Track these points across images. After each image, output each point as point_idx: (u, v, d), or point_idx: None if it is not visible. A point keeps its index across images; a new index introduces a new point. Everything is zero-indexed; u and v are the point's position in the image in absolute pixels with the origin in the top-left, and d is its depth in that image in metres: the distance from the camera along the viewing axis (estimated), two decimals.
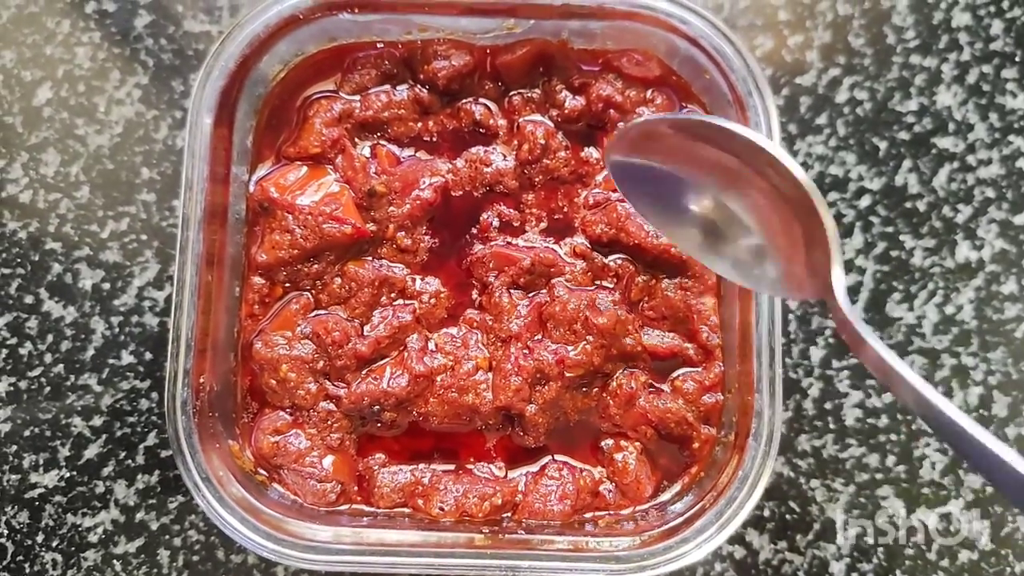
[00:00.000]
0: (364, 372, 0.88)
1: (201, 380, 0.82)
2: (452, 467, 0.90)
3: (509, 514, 0.88)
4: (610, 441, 0.89)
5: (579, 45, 0.90)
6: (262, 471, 0.88)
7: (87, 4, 1.03)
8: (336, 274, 0.90)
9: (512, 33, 0.88)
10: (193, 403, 0.81)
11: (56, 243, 1.00)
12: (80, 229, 1.00)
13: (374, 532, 0.84)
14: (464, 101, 0.91)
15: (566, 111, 0.90)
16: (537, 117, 0.91)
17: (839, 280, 0.67)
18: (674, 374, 0.89)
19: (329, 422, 0.88)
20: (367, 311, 0.89)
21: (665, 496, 0.88)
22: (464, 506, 0.86)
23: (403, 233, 0.90)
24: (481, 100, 0.92)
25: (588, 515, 0.88)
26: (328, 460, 0.88)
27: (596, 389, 0.89)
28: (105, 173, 1.01)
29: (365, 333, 0.88)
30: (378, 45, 0.90)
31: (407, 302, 0.90)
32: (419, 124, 0.91)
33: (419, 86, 0.91)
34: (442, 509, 0.86)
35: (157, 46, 1.03)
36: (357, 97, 0.91)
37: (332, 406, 0.88)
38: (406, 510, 0.88)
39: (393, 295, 0.90)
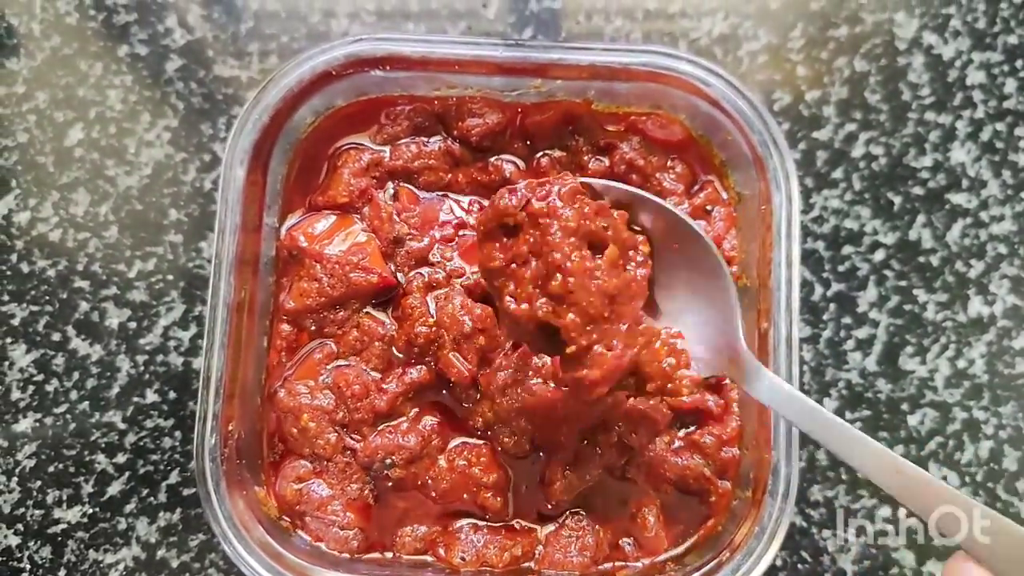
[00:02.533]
0: (381, 426, 0.89)
1: (230, 428, 0.84)
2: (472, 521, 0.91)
3: (530, 564, 0.89)
4: (631, 501, 0.90)
5: (603, 103, 0.92)
6: (285, 517, 0.90)
7: (120, 48, 1.05)
8: (353, 325, 0.91)
9: (538, 92, 0.90)
10: (221, 449, 0.82)
11: (84, 281, 1.02)
12: (108, 268, 1.02)
13: None
14: (495, 158, 0.94)
15: (590, 172, 0.92)
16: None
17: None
18: (693, 428, 0.91)
19: (348, 472, 0.89)
20: (380, 363, 0.91)
21: (683, 549, 0.89)
22: (484, 556, 0.87)
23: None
24: (511, 159, 0.94)
25: (607, 565, 0.89)
26: (352, 509, 0.89)
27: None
28: (134, 214, 1.03)
29: (384, 387, 0.90)
30: (408, 100, 0.92)
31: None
32: (449, 176, 0.93)
33: (451, 140, 0.93)
34: (463, 559, 0.87)
35: (187, 90, 1.05)
36: (387, 148, 0.93)
37: (350, 458, 0.89)
38: (428, 558, 0.89)
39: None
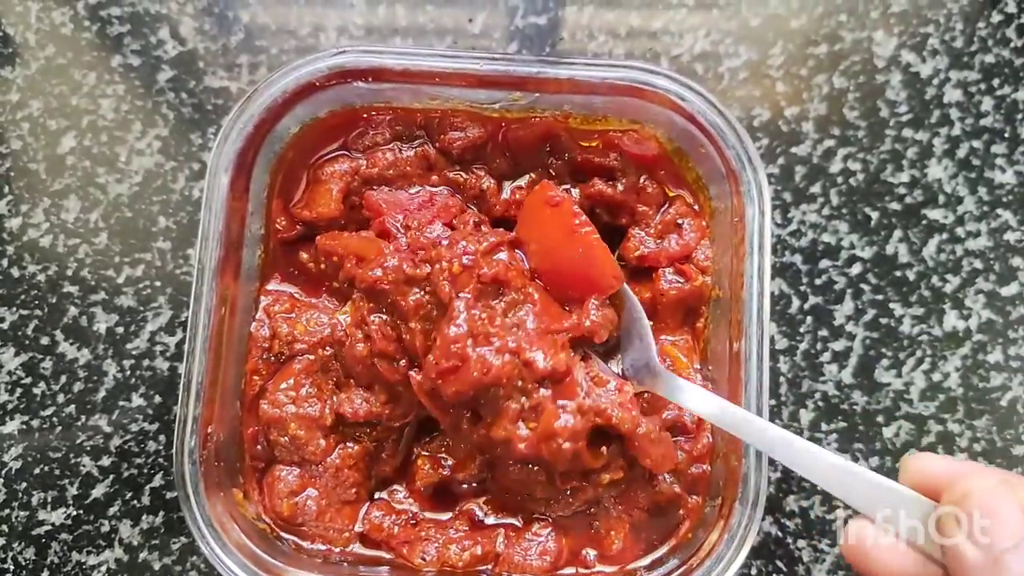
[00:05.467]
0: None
1: (209, 430, 0.85)
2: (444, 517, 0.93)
3: (490, 566, 0.90)
4: (598, 522, 0.91)
5: (582, 116, 0.94)
6: (276, 527, 0.92)
7: (113, 58, 1.08)
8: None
9: (517, 103, 0.92)
10: (200, 452, 0.84)
11: (73, 287, 1.04)
12: (97, 274, 1.04)
13: None
14: (478, 166, 0.96)
15: None
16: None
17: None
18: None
19: (340, 476, 0.90)
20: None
21: (649, 560, 0.90)
22: (445, 556, 0.88)
23: None
24: (491, 175, 0.96)
25: (569, 571, 0.90)
26: (345, 512, 0.91)
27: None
28: (123, 221, 1.05)
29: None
30: (391, 111, 0.94)
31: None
32: (422, 180, 0.95)
33: (429, 145, 0.95)
34: (423, 559, 0.89)
35: (178, 100, 1.07)
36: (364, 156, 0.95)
37: (340, 462, 0.91)
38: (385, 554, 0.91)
39: None
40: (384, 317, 0.87)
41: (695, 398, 0.83)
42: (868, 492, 0.68)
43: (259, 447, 0.92)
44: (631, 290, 0.91)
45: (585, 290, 0.87)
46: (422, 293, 0.84)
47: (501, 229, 0.90)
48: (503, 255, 0.86)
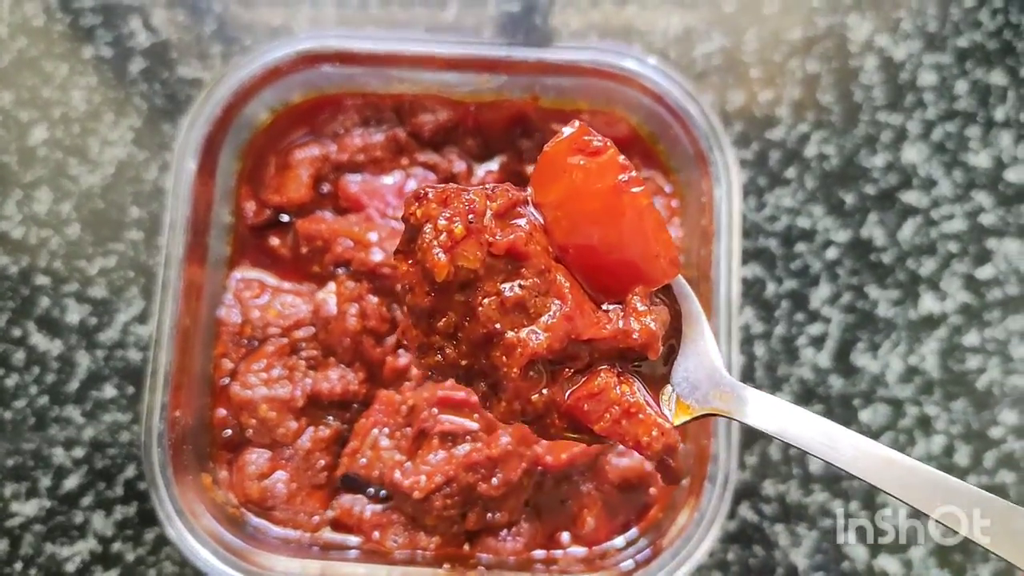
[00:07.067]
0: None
1: (177, 414, 0.85)
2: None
3: (465, 546, 0.90)
4: (571, 501, 0.91)
5: (551, 98, 0.94)
6: (241, 508, 0.91)
7: (85, 50, 1.07)
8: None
9: (487, 86, 0.92)
10: (168, 436, 0.84)
11: (46, 278, 1.04)
12: (69, 265, 1.04)
13: (342, 566, 0.86)
14: (449, 148, 0.96)
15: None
16: None
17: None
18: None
19: (310, 459, 0.90)
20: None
21: (622, 540, 0.90)
22: (416, 539, 0.88)
23: None
24: (463, 157, 0.96)
25: (542, 552, 0.90)
26: (315, 496, 0.91)
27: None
28: (95, 212, 1.05)
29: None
30: (361, 96, 0.94)
31: None
32: (393, 164, 0.95)
33: (399, 129, 0.95)
34: (395, 542, 0.88)
35: (151, 91, 1.07)
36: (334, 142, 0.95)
37: (310, 444, 0.91)
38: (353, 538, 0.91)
39: None
40: (378, 299, 0.91)
41: (782, 416, 0.65)
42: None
43: (228, 431, 0.92)
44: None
45: (628, 278, 0.63)
46: None
47: (508, 184, 0.64)
48: (523, 221, 0.61)
